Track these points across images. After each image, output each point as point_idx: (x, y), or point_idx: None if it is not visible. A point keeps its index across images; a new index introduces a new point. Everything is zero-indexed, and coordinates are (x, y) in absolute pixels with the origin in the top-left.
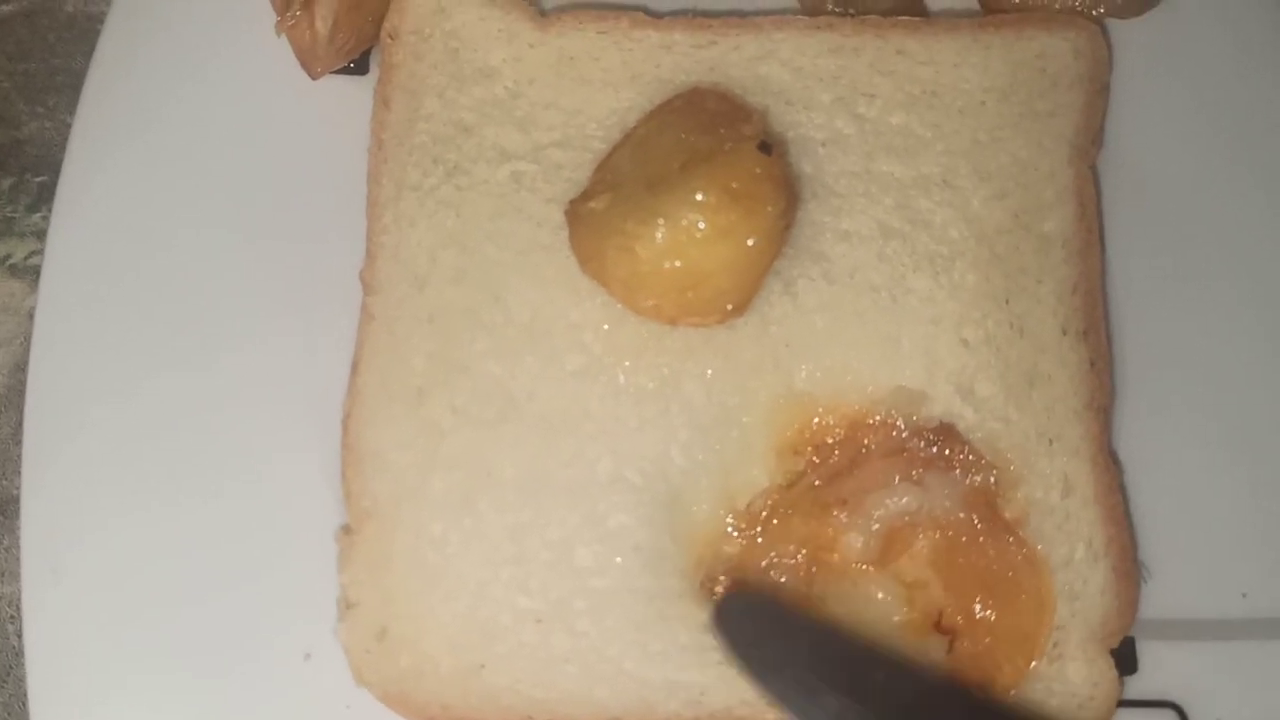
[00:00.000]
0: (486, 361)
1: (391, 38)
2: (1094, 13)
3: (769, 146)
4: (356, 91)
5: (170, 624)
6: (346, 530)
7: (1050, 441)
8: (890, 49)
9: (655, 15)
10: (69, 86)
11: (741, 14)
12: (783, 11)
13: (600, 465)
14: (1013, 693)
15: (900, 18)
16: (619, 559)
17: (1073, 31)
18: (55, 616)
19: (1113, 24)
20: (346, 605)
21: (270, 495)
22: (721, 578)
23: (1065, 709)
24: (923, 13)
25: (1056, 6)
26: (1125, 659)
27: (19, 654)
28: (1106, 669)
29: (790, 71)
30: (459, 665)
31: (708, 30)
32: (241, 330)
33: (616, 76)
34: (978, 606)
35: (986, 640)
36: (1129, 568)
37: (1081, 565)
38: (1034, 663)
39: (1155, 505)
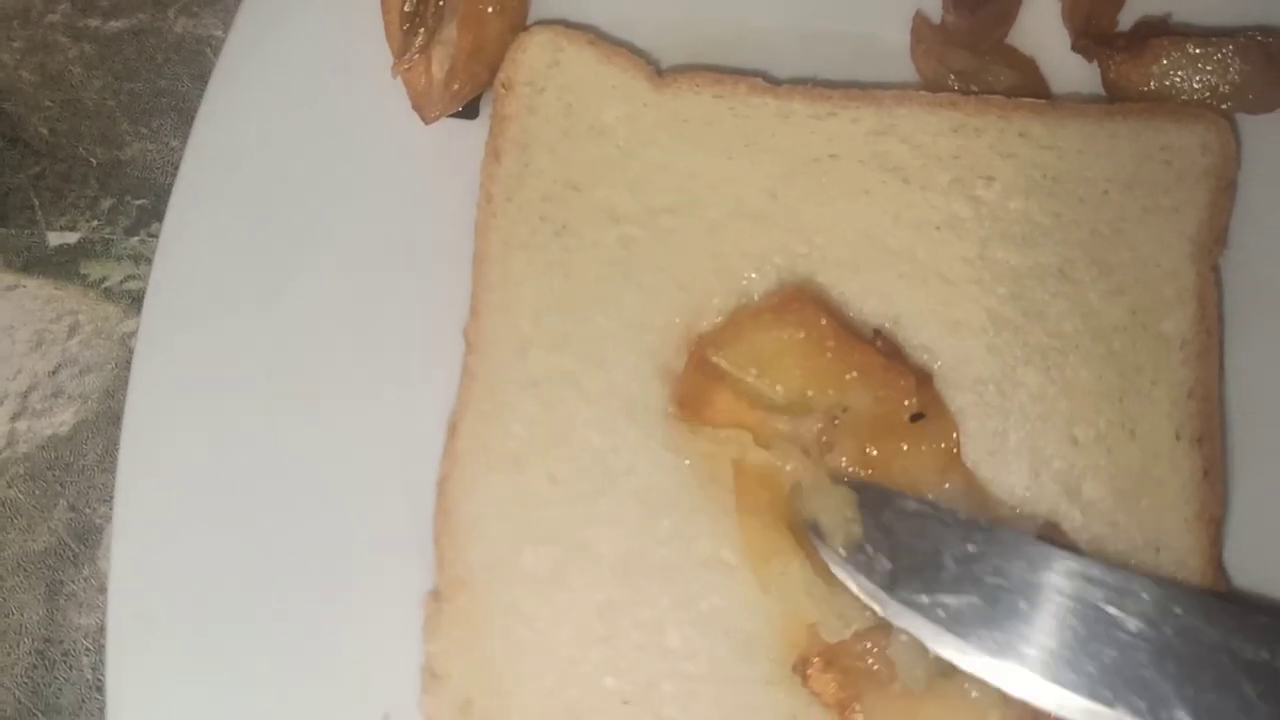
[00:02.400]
0: (587, 432)
1: (505, 88)
2: (1222, 106)
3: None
4: (467, 136)
5: (253, 673)
6: (435, 597)
7: (1158, 550)
8: (1013, 131)
9: (774, 82)
10: (174, 109)
11: (861, 85)
12: (903, 85)
13: (696, 545)
14: None
15: (1025, 99)
16: (710, 642)
17: (1201, 125)
18: (137, 661)
19: (1242, 119)
20: (432, 675)
21: (359, 551)
22: (815, 660)
23: None
24: (1045, 94)
25: (1184, 98)
26: None
27: (92, 687)
28: None
29: (910, 149)
30: None
31: (827, 101)
32: (341, 377)
33: (731, 143)
34: None
35: None
36: None
37: None
38: None
39: None
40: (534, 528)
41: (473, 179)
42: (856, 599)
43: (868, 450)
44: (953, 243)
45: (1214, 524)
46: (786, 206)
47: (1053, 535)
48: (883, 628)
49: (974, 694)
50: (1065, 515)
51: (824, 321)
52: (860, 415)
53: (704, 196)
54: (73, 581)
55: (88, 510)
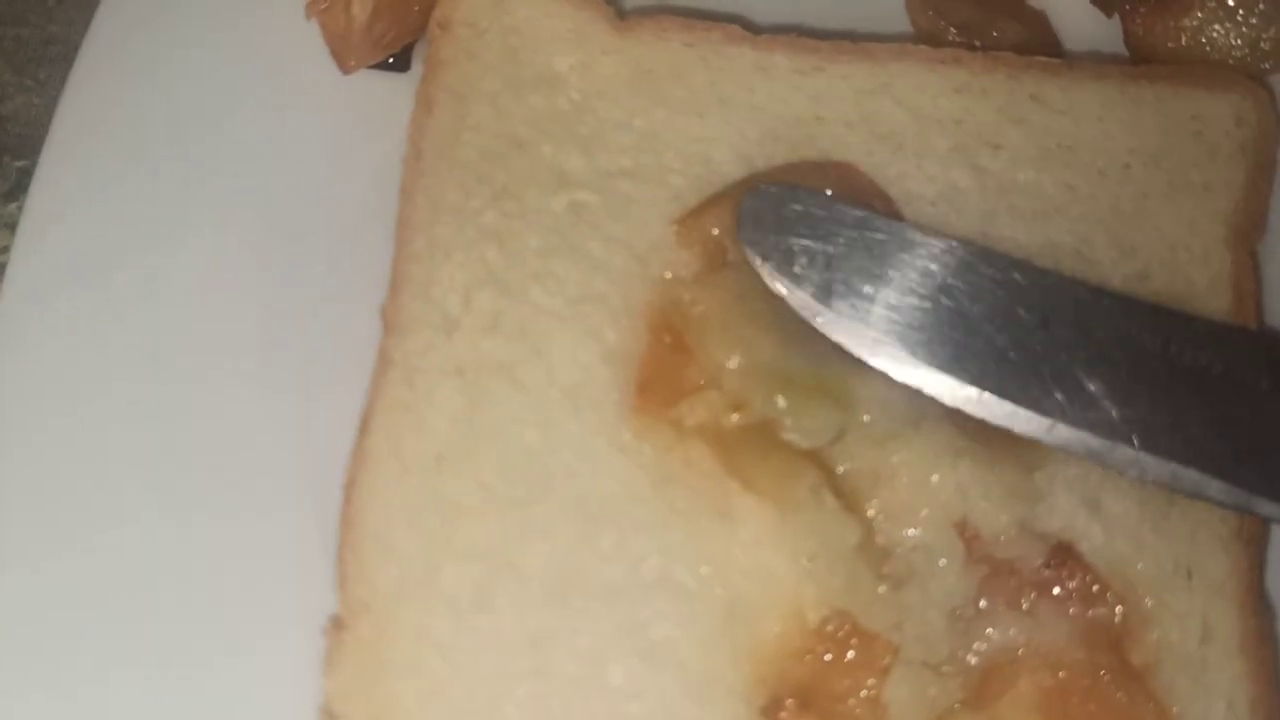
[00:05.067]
0: (521, 429)
1: (441, 28)
2: (1262, 66)
3: None
4: (395, 92)
5: (123, 713)
6: (337, 624)
7: (1189, 574)
8: (1024, 93)
9: (753, 30)
10: (64, 58)
11: (853, 37)
12: (899, 38)
13: (646, 563)
14: None
15: (1038, 58)
16: (661, 678)
17: (1236, 94)
18: None
19: None
20: (329, 717)
21: (251, 569)
22: (789, 702)
23: None
24: (1058, 52)
25: (1218, 57)
26: None
27: None
28: None
29: (905, 111)
30: None
31: (814, 54)
32: (235, 362)
33: (702, 99)
34: None
35: None
36: None
37: None
38: None
39: None
40: (455, 542)
41: (398, 138)
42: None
43: None
44: (951, 218)
45: (1254, 544)
46: (762, 173)
47: (1065, 559)
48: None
49: None
50: (1083, 533)
51: None
52: None
53: (668, 159)
54: None
55: None
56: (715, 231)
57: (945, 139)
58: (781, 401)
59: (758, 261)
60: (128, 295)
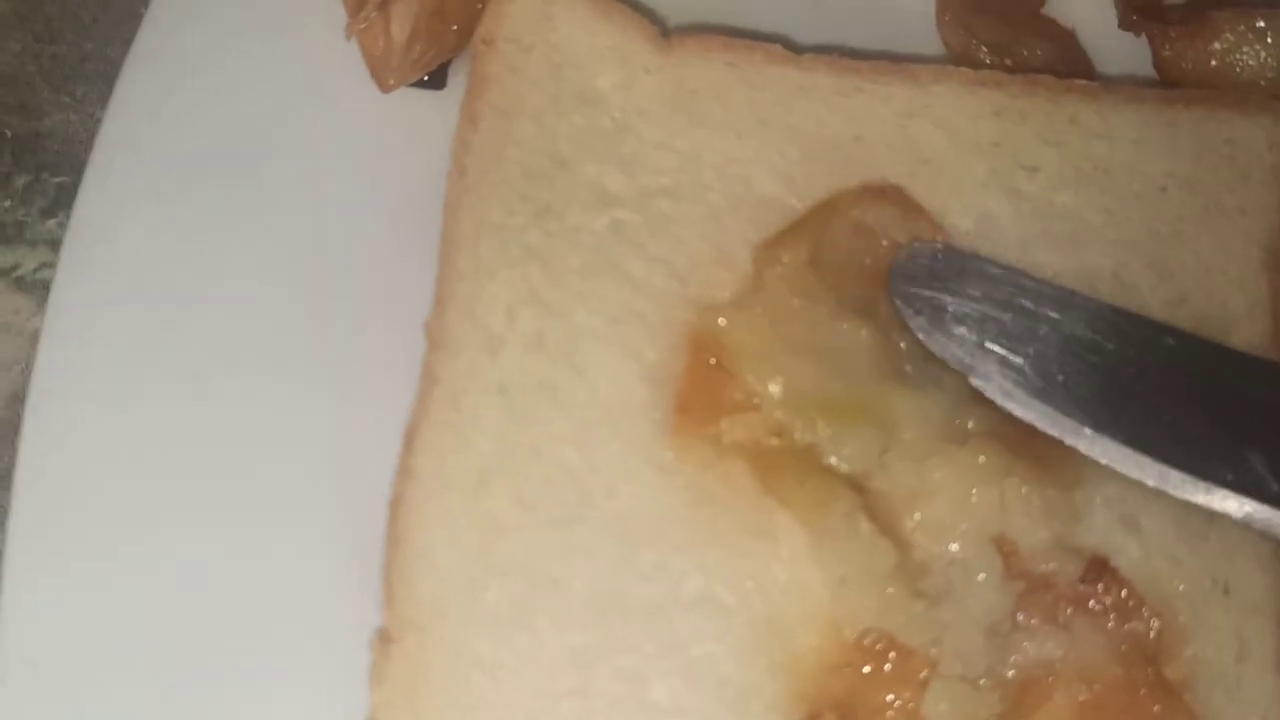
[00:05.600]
0: (563, 448)
1: (486, 44)
2: None
3: None
4: (433, 109)
5: None
6: (383, 638)
7: (1226, 591)
8: (1062, 116)
9: (795, 50)
10: (102, 76)
11: (893, 58)
12: (932, 58)
13: (687, 582)
14: None
15: (1077, 81)
16: (702, 695)
17: (1268, 118)
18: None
19: None
20: None
21: (297, 585)
22: (828, 716)
23: None
24: (1089, 72)
25: (1248, 78)
26: None
27: None
28: None
29: (945, 133)
30: None
31: (855, 74)
32: (279, 382)
33: (742, 119)
34: None
35: None
36: None
37: None
38: None
39: None
40: (498, 559)
41: (438, 156)
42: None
43: None
44: (989, 242)
45: None
46: (801, 194)
47: (1102, 574)
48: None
49: None
50: (1119, 549)
51: None
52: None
53: (707, 179)
54: None
55: None
56: (785, 260)
57: (983, 162)
58: (822, 428)
59: (911, 317)
60: (172, 311)
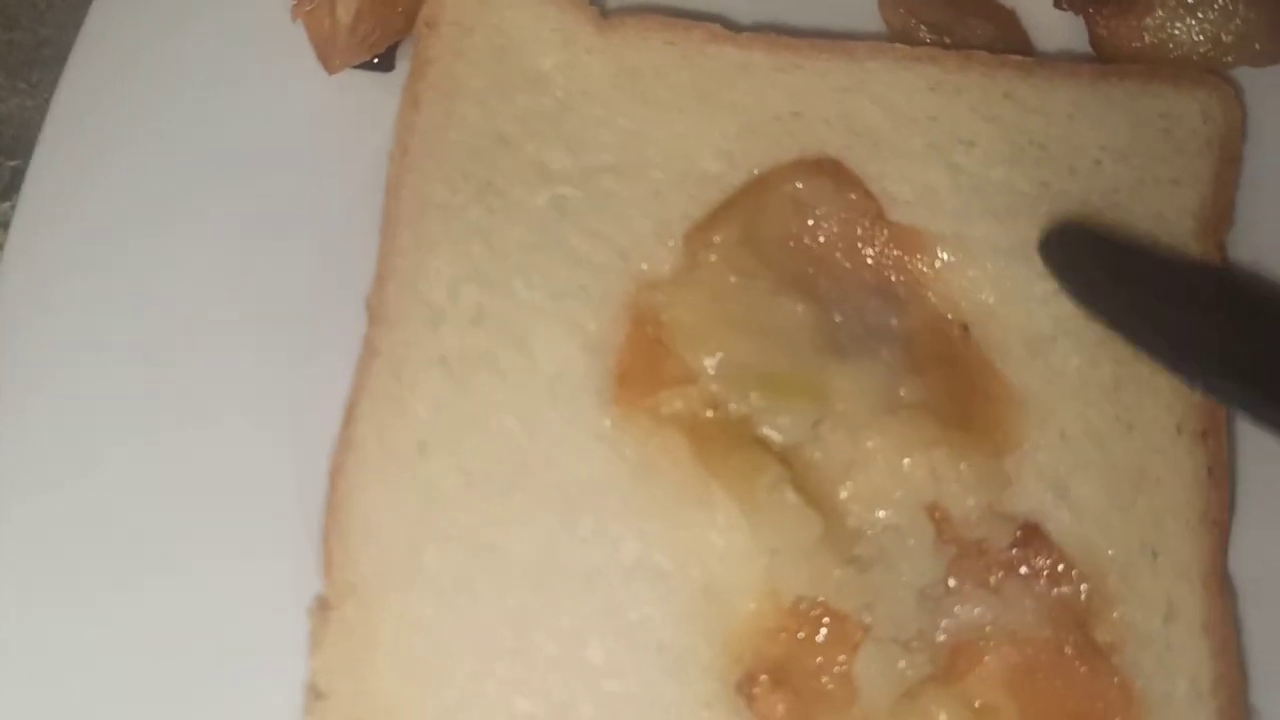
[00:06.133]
0: (503, 417)
1: (429, 26)
2: (1225, 60)
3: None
4: (380, 91)
5: (112, 693)
6: (322, 605)
7: (1155, 556)
8: (997, 91)
9: (733, 29)
10: (57, 62)
11: (830, 34)
12: (873, 37)
13: (624, 546)
14: None
15: (1011, 56)
16: (639, 657)
17: (1203, 91)
18: None
19: (1250, 83)
20: (315, 695)
21: (240, 553)
22: (763, 679)
23: None
24: (1028, 50)
25: (1181, 53)
26: None
27: None
28: None
29: (881, 108)
30: None
31: (793, 52)
32: (224, 355)
33: (682, 97)
34: None
35: None
36: (1239, 713)
37: (1182, 705)
38: None
39: (1273, 640)
40: (438, 525)
41: (385, 137)
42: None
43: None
44: (926, 219)
45: (1218, 528)
46: (742, 170)
47: (1032, 539)
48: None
49: (942, 718)
50: (1050, 515)
51: None
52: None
53: (649, 156)
54: None
55: None
56: (718, 239)
57: (920, 136)
58: (756, 400)
59: (1071, 294)
60: (119, 286)
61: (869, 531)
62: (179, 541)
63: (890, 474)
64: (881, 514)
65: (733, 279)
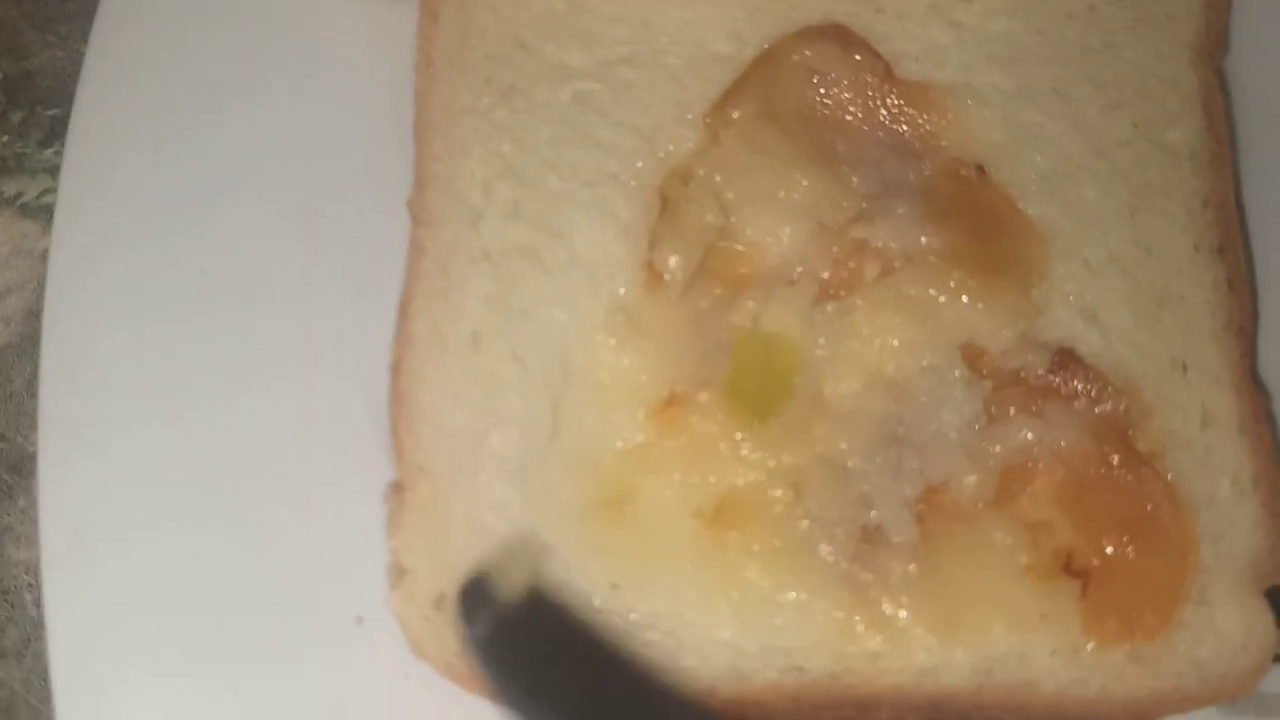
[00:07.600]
0: (549, 307)
1: None
2: None
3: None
4: (401, 12)
5: (205, 588)
6: (396, 489)
7: (1185, 367)
8: None
9: None
10: (82, 13)
11: None
12: None
13: None
14: (1158, 640)
15: None
16: None
17: None
18: (80, 585)
19: None
20: (399, 571)
21: (314, 448)
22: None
23: (1218, 658)
24: None
25: None
26: None
27: (38, 624)
28: (1261, 614)
29: None
30: None
31: None
32: (279, 269)
33: None
34: (1111, 547)
35: (1124, 584)
36: None
37: (1227, 503)
38: (1178, 608)
39: None
40: (499, 411)
41: (408, 53)
42: None
43: None
44: (933, 73)
45: (1244, 335)
46: (753, 47)
47: (1067, 363)
48: None
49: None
50: (1082, 339)
51: None
52: None
53: (662, 44)
54: (8, 514)
55: (19, 438)
56: (736, 115)
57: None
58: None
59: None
60: (173, 215)
61: (910, 378)
62: (257, 451)
63: (923, 318)
64: (922, 362)
65: (753, 156)
